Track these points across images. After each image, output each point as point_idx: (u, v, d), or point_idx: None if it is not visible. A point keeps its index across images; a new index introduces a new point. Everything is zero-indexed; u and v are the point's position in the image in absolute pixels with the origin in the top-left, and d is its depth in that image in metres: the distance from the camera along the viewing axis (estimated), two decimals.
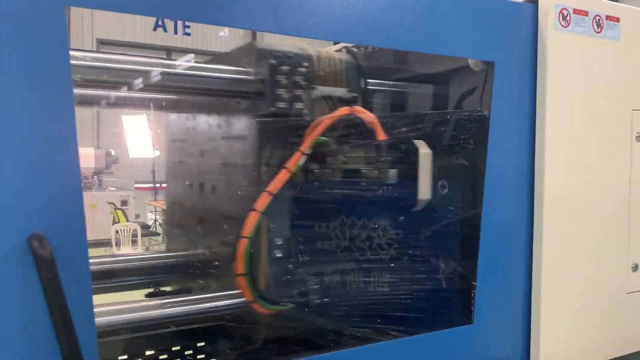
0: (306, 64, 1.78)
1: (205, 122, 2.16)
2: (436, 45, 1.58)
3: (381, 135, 1.74)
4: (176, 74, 1.70)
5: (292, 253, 1.86)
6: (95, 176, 12.31)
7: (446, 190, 1.94)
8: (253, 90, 1.77)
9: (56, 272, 0.98)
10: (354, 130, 1.85)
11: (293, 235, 1.87)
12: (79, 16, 16.17)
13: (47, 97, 1.04)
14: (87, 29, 16.54)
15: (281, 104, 1.72)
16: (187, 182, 2.33)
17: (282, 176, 1.69)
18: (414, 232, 2.04)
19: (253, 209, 1.65)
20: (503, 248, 1.78)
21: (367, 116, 1.74)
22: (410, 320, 1.86)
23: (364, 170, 1.83)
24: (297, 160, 1.70)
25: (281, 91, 1.72)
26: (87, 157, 12.19)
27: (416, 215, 2.06)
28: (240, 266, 1.61)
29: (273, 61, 1.71)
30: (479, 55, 1.70)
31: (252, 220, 1.64)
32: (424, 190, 1.97)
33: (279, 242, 1.84)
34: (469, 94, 2.10)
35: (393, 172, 1.86)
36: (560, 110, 1.85)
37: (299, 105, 1.76)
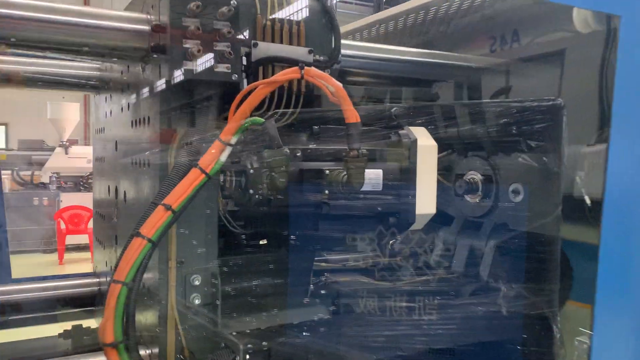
0: (234, 2, 1.12)
1: (118, 102, 1.53)
2: None
3: (351, 116, 1.07)
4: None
5: (222, 297, 1.21)
6: None
7: (521, 197, 1.33)
8: (149, 45, 1.12)
9: None
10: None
11: (222, 270, 1.23)
12: None
13: None
14: None
15: (190, 65, 1.07)
16: (106, 185, 1.71)
17: (190, 182, 1.04)
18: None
19: (137, 235, 1.00)
20: (629, 284, 1.28)
21: (330, 84, 1.07)
22: None
23: (328, 172, 1.16)
24: (215, 155, 1.04)
25: (190, 44, 1.07)
26: (89, 156, 11.88)
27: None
28: (109, 329, 0.96)
29: None
30: (600, 5, 1.28)
31: (133, 253, 0.99)
32: (425, 202, 1.30)
33: (196, 282, 1.20)
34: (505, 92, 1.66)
35: (374, 174, 1.19)
36: None
37: (221, 69, 1.11)
